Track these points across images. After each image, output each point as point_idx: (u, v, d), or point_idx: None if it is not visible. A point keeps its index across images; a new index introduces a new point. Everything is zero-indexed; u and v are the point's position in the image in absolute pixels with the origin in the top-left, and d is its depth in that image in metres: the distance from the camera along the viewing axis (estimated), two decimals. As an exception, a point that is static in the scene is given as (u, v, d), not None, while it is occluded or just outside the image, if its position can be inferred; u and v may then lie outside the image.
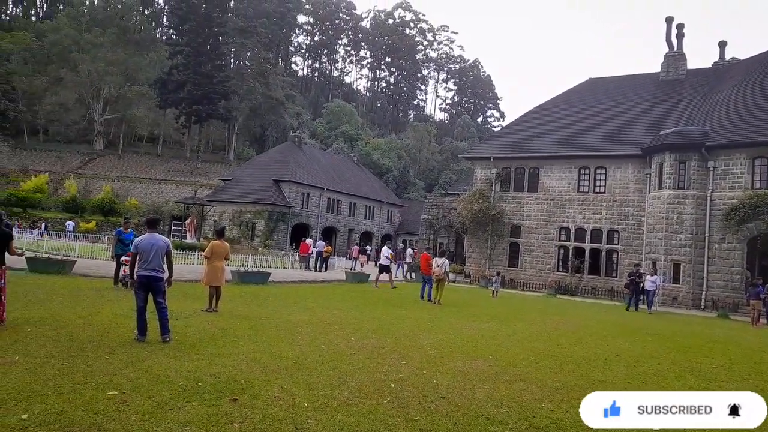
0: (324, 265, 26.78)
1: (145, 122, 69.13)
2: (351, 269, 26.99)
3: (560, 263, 28.59)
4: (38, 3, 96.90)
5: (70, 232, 33.23)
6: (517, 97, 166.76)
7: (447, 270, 16.88)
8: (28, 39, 70.04)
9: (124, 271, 12.16)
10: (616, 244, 27.24)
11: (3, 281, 7.49)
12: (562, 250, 28.65)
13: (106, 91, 66.16)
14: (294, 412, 4.74)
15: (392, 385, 5.99)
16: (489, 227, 29.90)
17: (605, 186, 27.66)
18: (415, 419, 4.90)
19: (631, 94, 30.64)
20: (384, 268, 20.59)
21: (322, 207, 45.52)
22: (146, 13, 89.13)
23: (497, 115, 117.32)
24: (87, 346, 6.50)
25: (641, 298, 20.55)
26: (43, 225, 35.77)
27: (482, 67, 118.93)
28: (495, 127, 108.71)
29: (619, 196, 27.19)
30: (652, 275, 21.12)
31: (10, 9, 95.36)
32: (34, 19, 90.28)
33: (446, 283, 17.12)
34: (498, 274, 22.47)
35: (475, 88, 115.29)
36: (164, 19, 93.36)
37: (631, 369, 8.18)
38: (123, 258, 12.60)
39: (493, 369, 7.34)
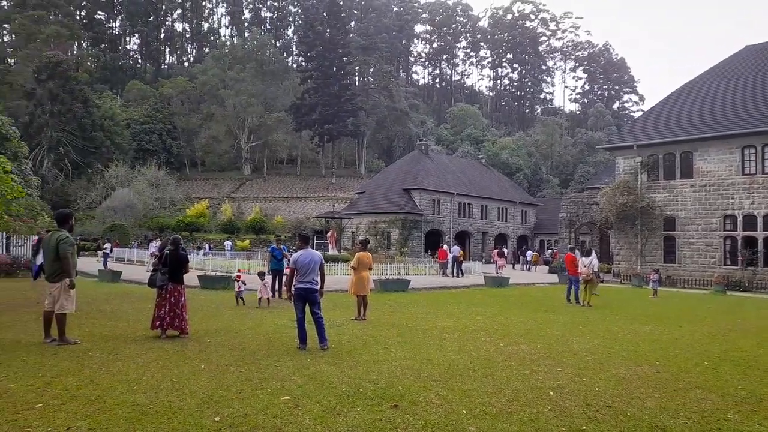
0: (460, 271, 26.67)
1: (284, 145, 74.76)
2: (496, 273, 26.61)
3: (727, 256, 25.40)
4: (188, 50, 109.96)
5: (228, 251, 36.98)
6: (657, 78, 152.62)
7: (596, 269, 15.87)
8: (183, 83, 79.73)
9: (239, 288, 12.67)
10: (797, 231, 23.54)
11: (183, 298, 8.52)
12: (728, 241, 25.44)
13: (249, 121, 72.81)
14: (454, 420, 4.75)
15: (551, 392, 5.75)
16: (638, 221, 27.58)
17: (777, 165, 24.11)
18: (582, 429, 4.65)
19: (803, 57, 26.43)
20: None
21: (453, 212, 45.41)
22: (278, 45, 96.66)
23: (635, 99, 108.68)
24: (258, 355, 7.14)
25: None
26: (207, 246, 40.14)
27: (613, 49, 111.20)
28: (634, 112, 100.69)
29: (796, 175, 23.51)
30: None
31: (167, 59, 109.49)
32: (186, 64, 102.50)
33: (596, 283, 16.10)
34: (656, 271, 20.57)
35: (607, 73, 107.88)
36: (294, 49, 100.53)
37: (838, 376, 6.98)
38: (235, 274, 13.58)
39: (661, 376, 6.72)
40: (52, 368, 6.12)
